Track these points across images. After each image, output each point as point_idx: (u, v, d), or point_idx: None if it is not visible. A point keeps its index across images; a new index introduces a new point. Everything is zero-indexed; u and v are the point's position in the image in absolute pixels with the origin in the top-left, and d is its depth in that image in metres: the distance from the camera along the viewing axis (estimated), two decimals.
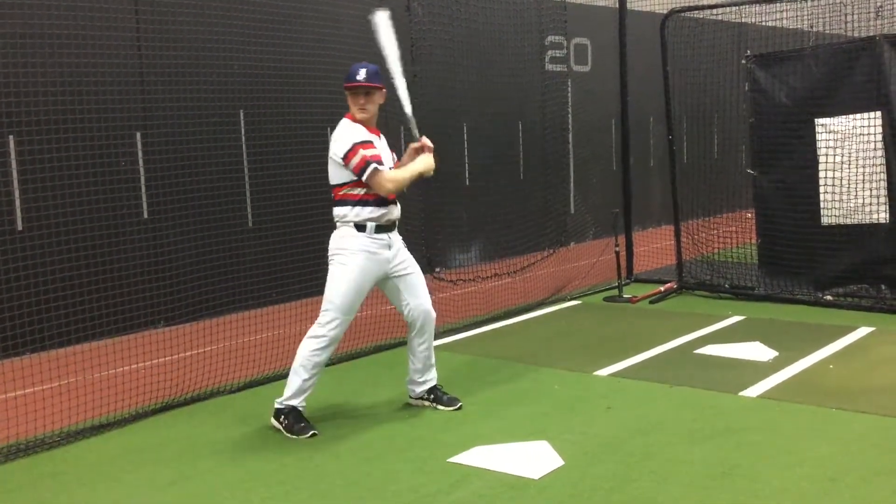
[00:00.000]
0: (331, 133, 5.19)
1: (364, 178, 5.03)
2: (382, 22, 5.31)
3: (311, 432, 5.14)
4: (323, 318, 5.18)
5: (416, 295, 5.37)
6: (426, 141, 5.34)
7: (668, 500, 4.12)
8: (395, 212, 5.26)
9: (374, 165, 5.04)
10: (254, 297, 8.37)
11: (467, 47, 9.64)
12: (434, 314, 5.49)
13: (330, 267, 5.21)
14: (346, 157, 5.03)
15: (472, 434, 5.07)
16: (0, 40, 6.90)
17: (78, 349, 6.53)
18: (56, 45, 7.02)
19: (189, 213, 7.94)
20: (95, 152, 7.40)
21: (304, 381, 5.19)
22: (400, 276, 5.30)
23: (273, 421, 5.27)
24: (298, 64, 8.63)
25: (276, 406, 5.27)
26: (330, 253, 5.22)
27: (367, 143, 5.09)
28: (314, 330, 5.19)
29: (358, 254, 5.12)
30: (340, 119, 5.22)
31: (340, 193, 5.15)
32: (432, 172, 5.32)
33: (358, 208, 5.11)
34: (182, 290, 7.69)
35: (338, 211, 5.18)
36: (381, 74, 5.21)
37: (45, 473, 4.75)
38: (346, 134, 5.10)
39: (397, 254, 5.28)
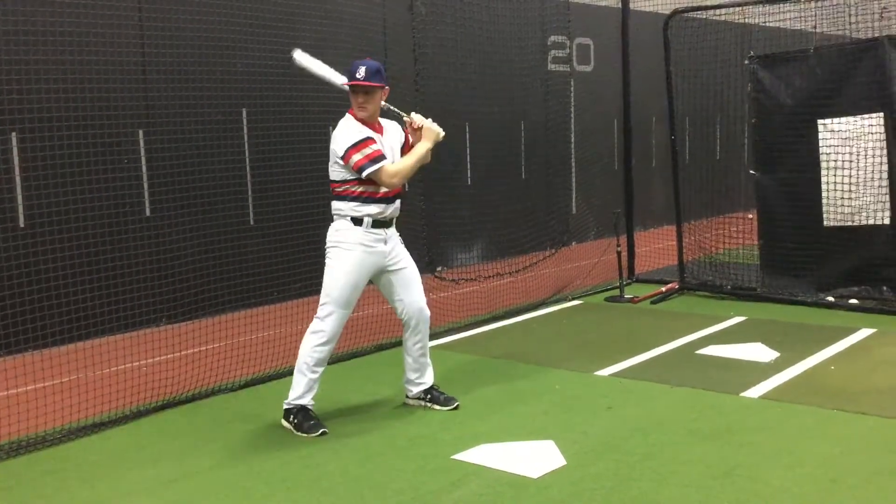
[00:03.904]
0: (332, 131, 5.19)
1: (364, 175, 5.03)
2: (301, 58, 5.44)
3: (320, 430, 5.13)
4: (321, 311, 5.20)
5: (410, 291, 5.36)
6: (415, 118, 5.30)
7: (669, 500, 4.12)
8: (393, 209, 5.25)
9: (375, 166, 5.01)
10: (255, 295, 8.37)
11: (470, 47, 9.64)
12: (428, 312, 5.48)
13: (327, 260, 5.22)
14: (345, 158, 5.03)
15: (473, 433, 5.08)
16: (3, 37, 6.91)
17: (80, 346, 6.53)
18: (59, 43, 7.02)
19: (191, 211, 7.94)
20: (98, 150, 7.40)
21: (308, 378, 5.19)
22: (394, 270, 5.30)
23: (283, 422, 5.27)
24: None
25: (285, 406, 5.26)
26: (327, 245, 5.24)
27: (364, 143, 5.03)
28: (313, 325, 5.21)
29: (354, 247, 5.13)
30: (342, 116, 5.22)
31: (339, 190, 5.15)
32: (441, 138, 5.28)
33: (355, 203, 5.12)
34: (184, 287, 7.70)
35: (336, 205, 5.19)
36: (382, 72, 5.17)
37: (47, 470, 4.75)
38: (344, 134, 5.08)
39: (393, 249, 5.28)
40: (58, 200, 7.09)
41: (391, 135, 5.30)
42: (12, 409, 5.42)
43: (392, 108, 5.35)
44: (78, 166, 7.20)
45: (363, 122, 5.14)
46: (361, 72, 5.10)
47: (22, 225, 7.15)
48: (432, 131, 5.26)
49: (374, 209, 5.14)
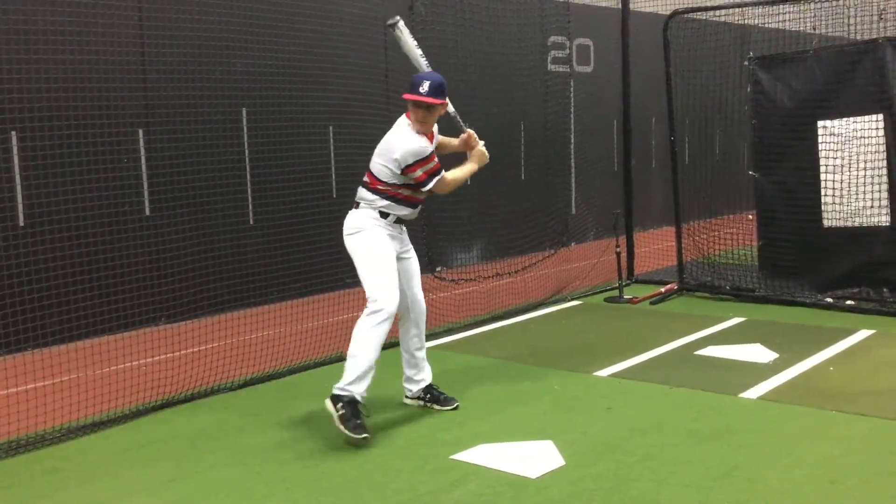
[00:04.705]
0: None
1: (425, 190, 5.16)
2: (403, 31, 5.42)
3: (363, 435, 4.88)
4: (373, 293, 5.04)
5: (412, 283, 5.43)
6: (472, 133, 5.43)
7: (668, 501, 4.12)
8: (417, 212, 5.40)
9: (434, 180, 5.13)
10: (255, 294, 8.37)
11: (470, 47, 9.65)
12: (425, 306, 5.54)
13: (353, 247, 5.20)
14: (407, 170, 5.08)
15: (472, 433, 5.08)
16: (3, 36, 6.90)
17: (79, 346, 6.54)
18: (59, 41, 7.02)
19: (191, 210, 7.94)
20: (98, 149, 7.40)
21: (366, 361, 4.98)
22: (403, 259, 5.36)
23: (328, 403, 5.00)
24: (301, 62, 8.64)
25: (336, 391, 4.99)
26: (348, 231, 5.23)
27: (428, 158, 5.10)
28: (369, 308, 5.04)
29: (378, 229, 5.19)
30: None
31: (380, 187, 5.17)
32: (487, 161, 5.46)
33: (388, 202, 5.18)
34: (183, 287, 7.69)
35: (367, 195, 5.21)
36: (444, 87, 5.15)
37: (46, 469, 4.75)
38: (408, 145, 5.06)
39: (404, 241, 5.39)
40: (57, 199, 7.09)
41: (435, 139, 5.39)
42: (12, 407, 5.43)
43: (458, 118, 5.44)
44: (78, 165, 7.19)
45: (421, 132, 5.17)
46: (425, 87, 5.08)
47: (22, 224, 7.14)
48: (485, 156, 5.44)
49: (404, 211, 5.26)
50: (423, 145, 5.10)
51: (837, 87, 8.10)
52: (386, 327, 5.06)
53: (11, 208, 7.11)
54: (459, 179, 5.33)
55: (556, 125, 10.57)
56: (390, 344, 6.71)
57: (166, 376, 6.12)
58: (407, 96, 5.12)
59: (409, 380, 5.59)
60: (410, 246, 5.47)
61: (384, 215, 5.20)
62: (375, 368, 5.07)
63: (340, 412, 4.94)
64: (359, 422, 4.94)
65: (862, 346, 6.82)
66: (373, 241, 5.17)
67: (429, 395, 5.58)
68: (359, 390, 5.00)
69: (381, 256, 5.15)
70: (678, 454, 4.68)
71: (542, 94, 10.49)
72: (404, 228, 5.39)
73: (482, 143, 5.48)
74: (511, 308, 8.40)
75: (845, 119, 8.03)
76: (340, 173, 9.19)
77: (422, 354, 5.57)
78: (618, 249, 9.06)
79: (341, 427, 4.91)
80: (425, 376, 5.59)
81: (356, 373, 4.99)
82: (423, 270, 5.58)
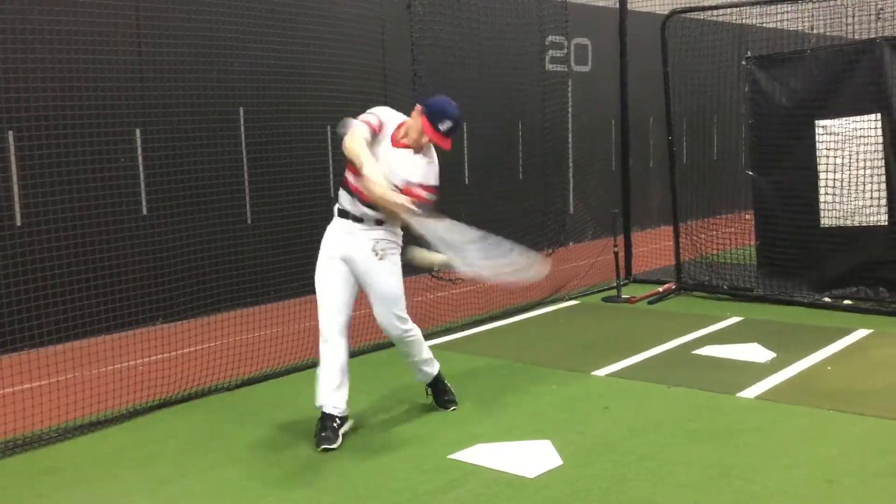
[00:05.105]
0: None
1: (338, 127, 4.81)
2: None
3: (320, 447, 4.83)
4: None
5: (376, 305, 5.01)
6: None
7: (665, 501, 4.12)
8: (359, 207, 4.86)
9: (350, 120, 4.75)
10: (252, 294, 8.36)
11: (468, 47, 9.63)
12: (398, 332, 5.04)
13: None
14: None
15: (470, 433, 5.07)
16: (0, 35, 6.89)
17: (76, 345, 6.53)
18: (56, 41, 7.01)
19: (188, 209, 7.93)
20: (95, 148, 7.39)
21: (318, 378, 4.96)
22: (359, 273, 4.96)
23: None
24: (298, 61, 8.62)
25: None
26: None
27: (373, 113, 4.88)
28: None
29: (325, 238, 5.03)
30: (340, 116, 5.06)
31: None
32: (389, 203, 4.65)
33: (341, 190, 5.01)
34: (180, 286, 7.68)
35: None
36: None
37: (43, 469, 4.74)
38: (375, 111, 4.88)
39: (360, 249, 4.90)
40: (54, 199, 7.08)
41: (411, 161, 4.86)
42: (8, 407, 5.42)
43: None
44: (75, 165, 7.18)
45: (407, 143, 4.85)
46: (446, 125, 4.81)
47: (19, 224, 7.13)
48: (378, 191, 4.63)
49: (344, 198, 4.94)
50: (389, 113, 4.91)
51: (835, 87, 8.09)
52: (324, 353, 4.94)
53: (8, 208, 7.10)
54: (354, 151, 4.61)
55: (553, 125, 10.56)
56: (391, 343, 6.70)
57: (163, 376, 6.11)
58: (429, 133, 4.78)
59: (420, 371, 5.42)
60: (369, 259, 4.89)
61: (337, 212, 4.98)
62: (345, 379, 4.98)
63: (316, 427, 4.97)
64: (323, 434, 4.88)
65: (859, 345, 6.82)
66: (320, 255, 5.02)
67: (430, 390, 5.54)
68: (319, 402, 4.95)
69: (319, 277, 4.98)
70: (676, 454, 4.68)
71: (540, 94, 10.47)
72: (357, 229, 4.88)
73: (395, 194, 4.68)
74: (509, 308, 8.39)
75: (843, 118, 8.03)
76: (338, 173, 9.16)
77: (421, 364, 5.37)
78: (615, 249, 9.05)
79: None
80: (432, 370, 5.44)
81: (316, 388, 4.97)
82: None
